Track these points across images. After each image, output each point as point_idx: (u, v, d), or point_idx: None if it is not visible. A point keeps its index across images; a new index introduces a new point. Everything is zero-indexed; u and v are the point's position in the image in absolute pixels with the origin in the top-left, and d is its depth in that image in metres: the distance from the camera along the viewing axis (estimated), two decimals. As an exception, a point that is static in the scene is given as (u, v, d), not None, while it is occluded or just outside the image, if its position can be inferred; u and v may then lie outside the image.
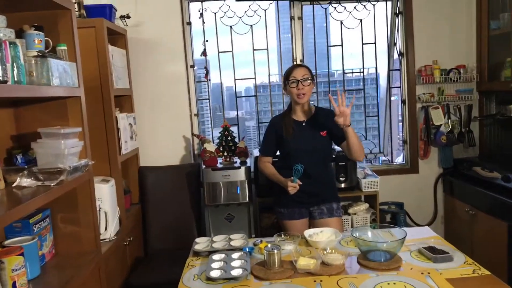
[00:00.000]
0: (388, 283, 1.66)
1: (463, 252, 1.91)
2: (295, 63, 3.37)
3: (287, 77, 2.35)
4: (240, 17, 3.35)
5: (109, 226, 2.35)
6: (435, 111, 3.34)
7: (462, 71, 3.33)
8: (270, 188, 2.91)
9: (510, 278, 2.60)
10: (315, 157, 2.35)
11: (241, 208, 2.95)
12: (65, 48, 1.86)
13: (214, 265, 1.90)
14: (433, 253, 1.86)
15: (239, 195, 2.88)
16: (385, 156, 3.62)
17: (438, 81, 3.32)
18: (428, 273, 1.72)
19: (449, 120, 3.35)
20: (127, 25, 3.06)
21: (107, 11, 2.67)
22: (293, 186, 2.25)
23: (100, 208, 2.30)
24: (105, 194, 2.37)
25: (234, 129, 3.49)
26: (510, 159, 3.07)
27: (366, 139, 3.59)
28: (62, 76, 1.75)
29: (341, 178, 3.03)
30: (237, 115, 3.46)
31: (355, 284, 1.66)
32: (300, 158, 2.32)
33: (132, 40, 3.12)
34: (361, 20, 3.45)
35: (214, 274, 1.80)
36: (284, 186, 2.30)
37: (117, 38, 2.93)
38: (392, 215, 3.23)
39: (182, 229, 3.00)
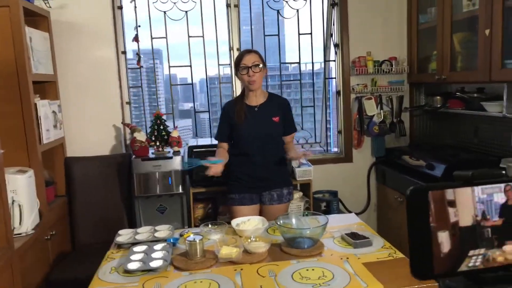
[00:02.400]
0: (307, 269, 1.67)
1: (393, 238, 1.96)
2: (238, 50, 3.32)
3: (237, 63, 2.34)
4: (175, 3, 3.24)
5: (24, 220, 2.20)
6: (368, 102, 3.42)
7: (394, 63, 3.43)
8: (204, 179, 2.87)
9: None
10: (267, 142, 2.37)
11: (174, 199, 2.88)
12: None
13: (134, 257, 1.83)
14: (354, 238, 1.89)
15: (172, 185, 2.80)
16: (321, 147, 3.67)
17: (371, 72, 3.40)
18: (347, 258, 1.75)
19: (382, 111, 3.44)
20: (50, 7, 2.86)
21: (23, -10, 2.47)
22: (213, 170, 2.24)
23: (13, 200, 2.15)
24: (21, 185, 2.21)
25: (188, 121, 3.41)
26: (435, 148, 3.21)
27: (302, 129, 3.62)
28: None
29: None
30: (172, 104, 3.36)
31: (274, 272, 1.66)
32: (252, 143, 2.35)
33: (56, 23, 2.92)
34: (297, 10, 3.45)
35: (132, 266, 1.74)
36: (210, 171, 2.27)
37: (39, 20, 2.74)
38: (326, 203, 3.29)
39: (112, 221, 2.88)
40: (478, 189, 0.53)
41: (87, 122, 3.07)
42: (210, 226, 2.09)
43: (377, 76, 3.46)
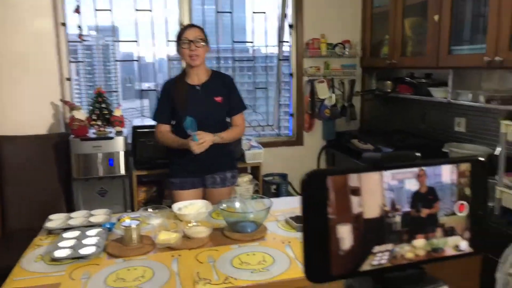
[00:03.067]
0: (248, 254, 1.62)
1: None
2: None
3: (179, 37, 2.18)
4: (120, -27, 3.04)
5: None
6: (320, 85, 3.39)
7: (347, 46, 3.41)
8: (150, 160, 2.74)
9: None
10: (209, 123, 2.19)
11: (116, 181, 2.73)
12: None
13: (63, 243, 1.70)
14: (298, 222, 1.86)
15: (114, 167, 2.66)
16: (273, 130, 3.62)
17: (324, 55, 3.36)
18: (289, 242, 1.71)
19: (333, 94, 3.43)
20: (-25, -31, 2.59)
21: None
22: (196, 144, 2.07)
23: None
24: None
25: (146, 101, 3.24)
26: (384, 132, 3.24)
27: (255, 111, 3.55)
28: None
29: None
30: (121, 82, 3.17)
31: (213, 257, 1.59)
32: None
33: (-15, -12, 2.66)
34: (252, -12, 3.34)
35: (60, 253, 1.61)
36: (187, 147, 2.10)
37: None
38: (276, 186, 3.26)
39: (48, 206, 2.67)
40: (387, 174, 0.46)
41: (21, 98, 2.83)
42: (150, 210, 1.98)
43: (330, 59, 3.43)
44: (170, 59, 3.24)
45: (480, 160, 0.50)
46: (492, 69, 2.30)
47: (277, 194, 3.16)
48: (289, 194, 3.28)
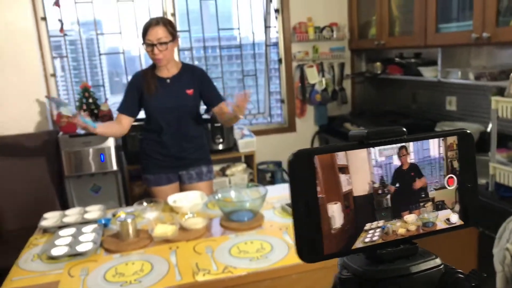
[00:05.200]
0: (245, 243, 1.62)
1: None
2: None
3: (143, 37, 2.05)
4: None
5: None
6: (309, 70, 3.37)
7: (334, 29, 3.38)
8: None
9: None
10: (181, 117, 2.16)
11: (108, 177, 2.71)
12: None
13: (59, 241, 1.68)
14: (294, 208, 1.85)
15: (105, 163, 2.63)
16: (265, 117, 3.60)
17: (312, 38, 3.33)
18: (287, 228, 1.71)
19: (323, 79, 3.41)
20: (-50, -35, 2.50)
21: None
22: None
23: None
24: None
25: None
26: (376, 115, 3.25)
27: (245, 99, 3.52)
28: None
29: (217, 140, 2.93)
30: (102, 75, 3.11)
31: (212, 248, 1.59)
32: (163, 119, 2.15)
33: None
34: (235, -27, 3.29)
35: (57, 251, 1.60)
36: (90, 130, 2.05)
37: None
38: (271, 174, 3.25)
39: (42, 205, 2.64)
40: (375, 151, 0.45)
41: (5, 96, 2.76)
42: (145, 204, 1.96)
43: (318, 43, 3.40)
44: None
45: (467, 132, 0.50)
46: (480, 45, 2.30)
47: (272, 182, 3.16)
48: (284, 181, 3.28)
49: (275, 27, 3.45)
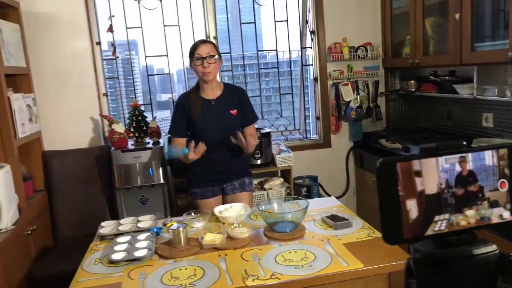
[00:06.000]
0: (290, 252, 1.71)
1: (373, 219, 2.00)
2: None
3: (191, 54, 2.24)
4: (149, -9, 3.21)
5: (3, 216, 2.17)
6: (344, 88, 3.47)
7: (369, 49, 3.49)
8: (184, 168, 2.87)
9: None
10: (225, 136, 2.27)
11: (155, 189, 2.88)
12: None
13: (117, 247, 1.84)
14: (334, 220, 1.95)
15: (153, 176, 2.80)
16: (300, 133, 3.72)
17: (347, 58, 3.45)
18: (328, 239, 1.80)
19: (358, 96, 3.51)
20: (20, -3, 2.79)
21: (-9, -20, 2.41)
22: (190, 152, 2.17)
23: (-9, 196, 2.11)
24: (-2, 181, 2.17)
25: (167, 112, 3.37)
26: (411, 131, 3.30)
27: (281, 116, 3.66)
28: None
29: (256, 155, 3.06)
30: (150, 94, 3.34)
31: (258, 256, 1.69)
32: (210, 138, 2.27)
33: (27, 14, 2.85)
34: (273, -2, 3.46)
35: (116, 256, 1.75)
36: (186, 160, 2.23)
37: (8, 11, 2.66)
38: (307, 189, 3.34)
39: (94, 215, 2.85)
40: (441, 160, 0.59)
41: (64, 115, 3.02)
42: (193, 214, 2.11)
43: (353, 62, 3.51)
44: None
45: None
46: (517, 63, 2.34)
47: (308, 196, 3.25)
48: (320, 195, 3.36)
49: (310, 47, 3.59)
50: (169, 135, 2.44)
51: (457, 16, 2.54)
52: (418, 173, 0.56)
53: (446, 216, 0.58)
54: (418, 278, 0.60)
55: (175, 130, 2.36)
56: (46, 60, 2.95)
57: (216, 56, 2.25)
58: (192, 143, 2.19)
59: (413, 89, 3.25)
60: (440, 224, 0.57)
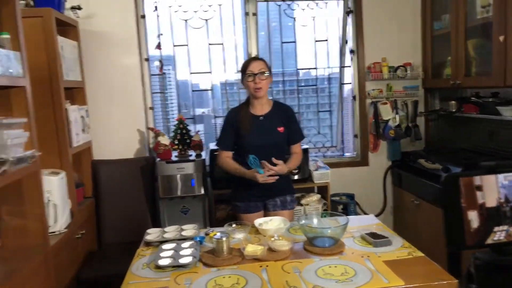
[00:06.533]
0: (330, 266, 1.74)
1: (410, 240, 2.00)
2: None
3: (243, 70, 2.32)
4: (195, 12, 3.37)
5: (58, 219, 2.32)
6: (383, 107, 3.49)
7: (408, 69, 3.50)
8: (226, 181, 2.96)
9: (450, 262, 2.78)
10: (271, 152, 2.29)
11: (196, 200, 2.98)
12: (8, 37, 1.82)
13: (163, 254, 1.92)
14: (373, 238, 1.96)
15: (194, 187, 2.91)
16: (338, 151, 3.75)
17: (386, 77, 3.48)
18: (368, 256, 1.82)
19: (397, 115, 3.51)
20: (78, 17, 3.00)
21: (55, 1, 2.61)
22: (261, 176, 2.22)
23: (49, 200, 2.27)
24: (55, 186, 2.33)
25: (200, 126, 3.50)
26: (451, 152, 3.27)
27: (319, 133, 3.71)
28: (5, 65, 1.72)
29: (294, 171, 3.11)
30: (193, 109, 3.47)
31: (299, 268, 1.73)
32: (255, 153, 2.28)
33: (84, 32, 3.07)
34: (313, 18, 3.55)
35: (163, 262, 1.83)
36: (251, 178, 2.27)
37: (68, 29, 2.88)
38: (343, 206, 3.36)
39: (137, 222, 2.98)
40: (501, 177, 0.64)
41: (112, 126, 3.20)
42: (234, 225, 2.18)
43: (392, 81, 3.53)
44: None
45: None
46: None
47: (345, 214, 3.25)
48: (356, 213, 3.37)
49: (349, 66, 3.64)
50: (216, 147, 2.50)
51: (501, 38, 2.54)
52: (479, 188, 0.61)
53: (505, 227, 0.63)
54: (478, 283, 0.64)
55: (223, 143, 2.43)
56: (99, 75, 3.16)
57: (267, 73, 2.31)
58: (267, 168, 2.23)
59: (453, 110, 3.23)
60: (499, 234, 0.62)
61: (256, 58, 2.37)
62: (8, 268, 1.78)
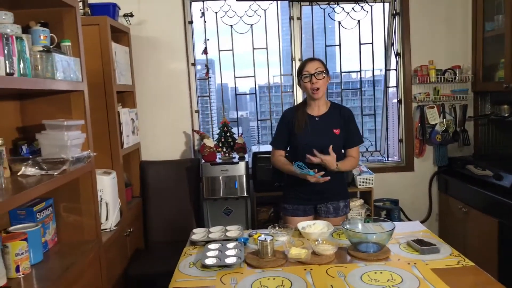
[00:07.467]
0: (375, 272, 1.72)
1: (457, 248, 1.95)
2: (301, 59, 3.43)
3: (300, 71, 2.28)
4: (241, 17, 3.43)
5: (110, 217, 2.44)
6: (430, 111, 3.40)
7: (457, 72, 3.39)
8: (268, 183, 2.99)
9: (500, 272, 2.67)
10: (326, 154, 2.21)
11: (239, 202, 3.03)
12: (69, 44, 1.94)
13: (209, 253, 1.97)
14: (420, 245, 1.93)
15: (237, 189, 2.96)
16: (381, 155, 3.69)
17: (433, 81, 3.38)
18: (415, 263, 1.79)
19: (444, 120, 3.41)
20: (130, 23, 3.14)
21: (110, 9, 2.75)
22: (313, 177, 2.18)
23: (101, 198, 2.39)
24: (107, 185, 2.45)
25: (239, 129, 3.56)
26: (503, 158, 3.13)
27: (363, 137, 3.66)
28: (66, 70, 1.83)
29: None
30: (237, 112, 3.54)
31: (343, 273, 1.73)
32: (308, 153, 2.21)
33: (135, 38, 3.20)
34: (358, 21, 3.52)
35: (209, 261, 1.88)
36: (303, 177, 2.21)
37: (121, 35, 3.02)
38: (387, 212, 3.30)
39: (181, 222, 3.08)
40: None
41: (160, 129, 3.32)
42: (277, 228, 2.20)
43: (439, 84, 3.43)
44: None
45: None
46: None
47: (389, 220, 3.19)
48: (400, 220, 3.30)
49: (395, 69, 3.57)
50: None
51: (560, 39, 2.41)
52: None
53: None
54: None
55: (277, 142, 2.41)
56: (148, 79, 3.28)
57: (324, 73, 2.26)
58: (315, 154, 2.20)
59: (506, 114, 3.09)
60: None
61: (312, 59, 2.31)
62: (65, 261, 1.88)
